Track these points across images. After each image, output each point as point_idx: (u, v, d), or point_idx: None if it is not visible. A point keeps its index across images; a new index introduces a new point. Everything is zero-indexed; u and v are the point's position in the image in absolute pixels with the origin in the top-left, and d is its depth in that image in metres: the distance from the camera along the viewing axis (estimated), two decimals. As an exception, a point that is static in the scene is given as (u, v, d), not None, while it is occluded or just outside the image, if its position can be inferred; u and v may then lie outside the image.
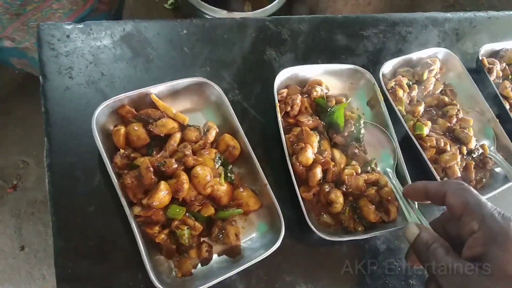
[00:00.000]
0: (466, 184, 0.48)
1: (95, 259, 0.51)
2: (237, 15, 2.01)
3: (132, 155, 0.55)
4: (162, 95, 0.59)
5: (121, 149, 0.54)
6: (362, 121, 0.65)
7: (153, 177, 0.51)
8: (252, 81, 0.68)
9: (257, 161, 0.56)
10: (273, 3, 2.05)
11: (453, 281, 0.41)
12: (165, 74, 0.64)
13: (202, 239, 0.55)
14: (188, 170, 0.54)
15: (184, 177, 0.52)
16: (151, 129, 0.56)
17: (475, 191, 0.46)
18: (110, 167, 0.51)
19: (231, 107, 0.59)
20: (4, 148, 1.79)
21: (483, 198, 0.45)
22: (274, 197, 0.55)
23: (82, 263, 0.50)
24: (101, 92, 0.60)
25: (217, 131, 0.59)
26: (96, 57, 0.62)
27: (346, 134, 0.64)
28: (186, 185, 0.52)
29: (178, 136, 0.56)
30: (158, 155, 0.54)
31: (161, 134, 0.56)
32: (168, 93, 0.59)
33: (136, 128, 0.56)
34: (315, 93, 0.65)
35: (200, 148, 0.56)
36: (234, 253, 0.55)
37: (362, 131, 0.64)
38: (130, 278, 0.51)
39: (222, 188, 0.55)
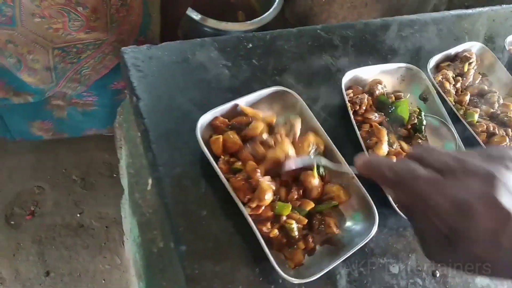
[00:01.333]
0: (411, 167, 0.39)
1: (215, 259, 0.55)
2: (235, 26, 2.06)
3: (231, 159, 0.60)
4: (247, 104, 0.64)
5: (221, 156, 0.59)
6: (422, 114, 0.71)
7: (259, 176, 0.56)
8: (316, 86, 0.74)
9: (341, 156, 0.62)
10: (268, 12, 2.12)
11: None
12: (241, 85, 0.69)
13: (305, 232, 0.60)
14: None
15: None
16: (244, 134, 0.61)
17: (419, 173, 0.38)
18: (220, 172, 0.56)
19: (309, 110, 0.64)
20: (18, 175, 1.79)
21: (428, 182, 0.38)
22: (363, 187, 0.61)
23: (205, 263, 0.54)
24: (193, 105, 0.65)
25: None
26: (178, 74, 0.67)
27: (409, 126, 0.70)
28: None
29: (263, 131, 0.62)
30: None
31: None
32: (252, 103, 0.64)
33: (231, 136, 0.60)
34: (377, 91, 0.72)
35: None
36: (334, 242, 0.60)
37: (424, 122, 0.71)
38: (250, 273, 0.55)
39: (315, 182, 0.61)
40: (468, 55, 0.81)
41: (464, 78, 0.80)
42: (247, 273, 0.55)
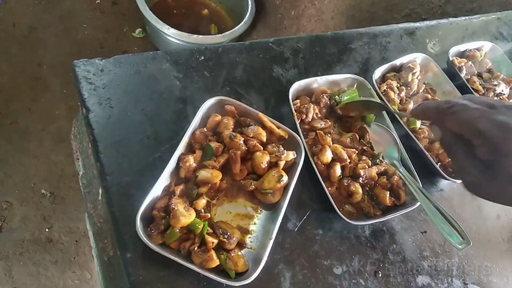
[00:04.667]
0: (456, 103, 0.49)
1: (160, 265, 0.56)
2: (208, 39, 2.10)
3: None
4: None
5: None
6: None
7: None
8: (267, 96, 0.77)
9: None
10: (240, 25, 2.17)
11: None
12: (192, 96, 0.71)
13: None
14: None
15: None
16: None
17: (471, 106, 0.47)
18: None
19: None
20: (-15, 191, 1.76)
21: (478, 112, 0.46)
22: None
23: (150, 269, 0.56)
24: (143, 115, 0.67)
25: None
26: (129, 86, 0.69)
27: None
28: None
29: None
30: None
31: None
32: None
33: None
34: (323, 101, 0.75)
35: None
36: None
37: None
38: (194, 278, 0.57)
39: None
40: (412, 66, 0.85)
41: (408, 88, 0.85)
42: (191, 278, 0.57)
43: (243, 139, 0.65)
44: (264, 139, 0.67)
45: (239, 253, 0.59)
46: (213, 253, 0.56)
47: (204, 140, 0.65)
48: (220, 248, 0.58)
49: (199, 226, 0.57)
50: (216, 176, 0.62)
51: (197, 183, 0.62)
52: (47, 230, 1.75)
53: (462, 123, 0.47)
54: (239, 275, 0.57)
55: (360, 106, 0.75)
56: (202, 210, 0.61)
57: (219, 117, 0.67)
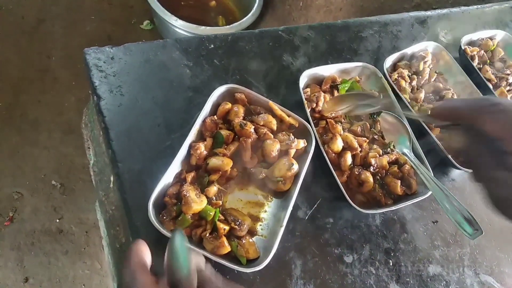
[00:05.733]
0: (500, 102, 0.43)
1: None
2: (215, 30, 2.10)
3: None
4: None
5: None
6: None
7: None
8: (277, 84, 0.76)
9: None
10: (247, 16, 2.16)
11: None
12: (202, 84, 0.71)
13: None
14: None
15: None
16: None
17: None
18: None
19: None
20: (-3, 181, 1.78)
21: None
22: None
23: (162, 255, 0.56)
24: (154, 104, 0.67)
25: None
26: (140, 74, 0.69)
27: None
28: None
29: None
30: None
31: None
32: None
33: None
34: (335, 90, 0.75)
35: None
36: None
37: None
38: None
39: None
40: (424, 54, 0.84)
41: (420, 77, 0.84)
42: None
43: (253, 127, 0.65)
44: (275, 127, 0.67)
45: (250, 240, 0.59)
46: (224, 239, 0.56)
47: (214, 128, 0.65)
48: (232, 235, 0.59)
49: (211, 213, 0.57)
50: (227, 164, 0.62)
51: (208, 170, 0.62)
52: (57, 221, 1.76)
53: (508, 126, 0.40)
54: (250, 262, 0.57)
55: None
56: (214, 197, 0.61)
57: (229, 105, 0.67)
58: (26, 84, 1.93)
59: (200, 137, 0.65)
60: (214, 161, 0.62)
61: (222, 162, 0.62)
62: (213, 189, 0.60)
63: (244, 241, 0.58)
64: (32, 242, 1.74)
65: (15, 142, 1.81)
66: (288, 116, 0.68)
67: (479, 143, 0.43)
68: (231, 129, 0.66)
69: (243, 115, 0.67)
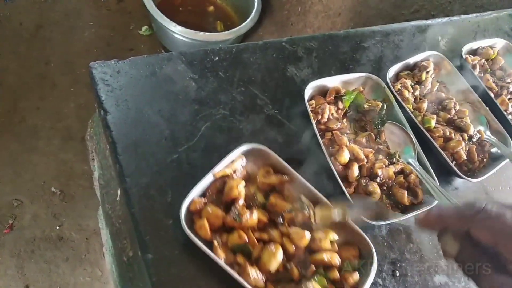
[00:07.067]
0: (484, 208, 0.41)
1: (182, 266, 0.57)
2: (214, 36, 2.10)
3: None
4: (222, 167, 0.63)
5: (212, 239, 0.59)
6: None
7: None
8: (281, 96, 0.77)
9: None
10: (246, 21, 2.16)
11: None
12: (208, 97, 0.72)
13: None
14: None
15: None
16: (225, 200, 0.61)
17: (502, 214, 0.40)
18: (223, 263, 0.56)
19: (282, 161, 0.65)
20: (-4, 189, 1.77)
21: None
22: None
23: (171, 270, 0.56)
24: (160, 117, 0.67)
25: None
26: (145, 88, 0.69)
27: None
28: None
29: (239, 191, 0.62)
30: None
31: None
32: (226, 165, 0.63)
33: (210, 210, 0.59)
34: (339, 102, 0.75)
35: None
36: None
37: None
38: (216, 278, 0.57)
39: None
40: (426, 64, 0.85)
41: (422, 86, 0.84)
42: (213, 278, 0.58)
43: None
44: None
45: None
46: None
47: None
48: None
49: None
50: None
51: None
52: (57, 227, 1.76)
53: (498, 232, 0.39)
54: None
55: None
56: None
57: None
58: (24, 91, 1.92)
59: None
60: None
61: None
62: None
63: None
64: (32, 250, 1.73)
65: (14, 149, 1.81)
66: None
67: (474, 248, 0.42)
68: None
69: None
